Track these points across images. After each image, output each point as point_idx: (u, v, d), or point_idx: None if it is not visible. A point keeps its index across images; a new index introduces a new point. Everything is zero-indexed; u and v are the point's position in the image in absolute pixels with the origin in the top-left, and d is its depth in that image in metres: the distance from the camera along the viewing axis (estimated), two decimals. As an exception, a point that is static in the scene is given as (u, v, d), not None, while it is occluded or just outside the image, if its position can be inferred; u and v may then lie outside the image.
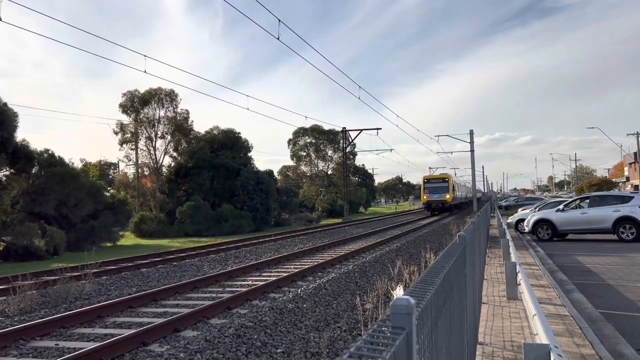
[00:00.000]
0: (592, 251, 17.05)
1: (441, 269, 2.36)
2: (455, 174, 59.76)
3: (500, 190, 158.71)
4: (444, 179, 48.38)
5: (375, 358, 1.10)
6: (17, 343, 6.87)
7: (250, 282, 11.50)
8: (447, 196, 46.75)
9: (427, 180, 49.01)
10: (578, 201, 22.12)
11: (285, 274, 11.89)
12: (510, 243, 12.66)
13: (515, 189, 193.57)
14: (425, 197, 47.69)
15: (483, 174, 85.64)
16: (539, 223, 21.68)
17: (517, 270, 8.59)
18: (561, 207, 21.68)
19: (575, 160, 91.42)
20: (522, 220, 25.77)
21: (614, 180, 70.99)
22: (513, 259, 9.81)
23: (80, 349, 6.22)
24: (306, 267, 13.09)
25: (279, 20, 13.89)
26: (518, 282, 8.70)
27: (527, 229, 23.10)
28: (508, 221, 27.12)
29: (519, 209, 35.61)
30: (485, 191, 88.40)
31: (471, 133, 38.76)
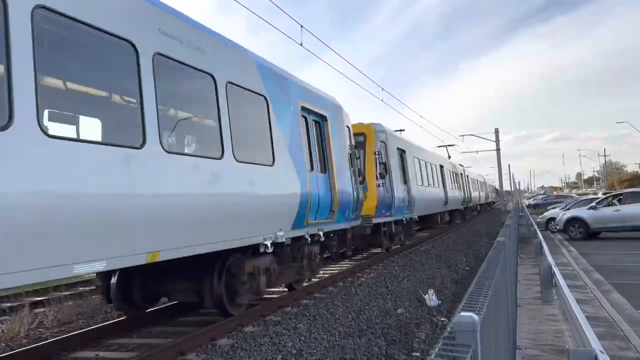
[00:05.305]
0: (628, 250, 16.65)
1: (489, 278, 2.34)
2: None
3: (528, 188, 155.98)
4: None
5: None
6: (59, 354, 7.02)
7: (280, 289, 11.53)
8: None
9: None
10: (611, 198, 21.68)
11: (315, 280, 11.91)
12: (543, 243, 12.47)
13: (542, 186, 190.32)
14: None
15: (510, 173, 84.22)
16: (571, 221, 21.32)
17: (553, 272, 8.45)
18: (594, 204, 21.29)
19: (605, 155, 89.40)
20: (553, 219, 25.41)
21: (645, 175, 69.18)
22: (548, 260, 9.65)
23: (121, 359, 6.33)
24: (335, 272, 13.08)
25: (302, 26, 13.94)
26: (553, 284, 8.55)
27: (558, 228, 22.75)
28: (538, 220, 26.73)
29: (549, 208, 35.05)
30: (512, 190, 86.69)
31: (496, 132, 38.31)
